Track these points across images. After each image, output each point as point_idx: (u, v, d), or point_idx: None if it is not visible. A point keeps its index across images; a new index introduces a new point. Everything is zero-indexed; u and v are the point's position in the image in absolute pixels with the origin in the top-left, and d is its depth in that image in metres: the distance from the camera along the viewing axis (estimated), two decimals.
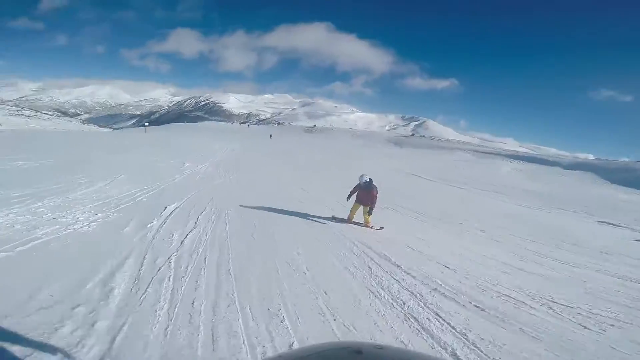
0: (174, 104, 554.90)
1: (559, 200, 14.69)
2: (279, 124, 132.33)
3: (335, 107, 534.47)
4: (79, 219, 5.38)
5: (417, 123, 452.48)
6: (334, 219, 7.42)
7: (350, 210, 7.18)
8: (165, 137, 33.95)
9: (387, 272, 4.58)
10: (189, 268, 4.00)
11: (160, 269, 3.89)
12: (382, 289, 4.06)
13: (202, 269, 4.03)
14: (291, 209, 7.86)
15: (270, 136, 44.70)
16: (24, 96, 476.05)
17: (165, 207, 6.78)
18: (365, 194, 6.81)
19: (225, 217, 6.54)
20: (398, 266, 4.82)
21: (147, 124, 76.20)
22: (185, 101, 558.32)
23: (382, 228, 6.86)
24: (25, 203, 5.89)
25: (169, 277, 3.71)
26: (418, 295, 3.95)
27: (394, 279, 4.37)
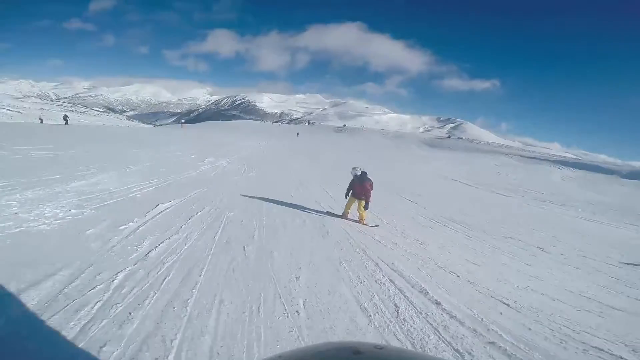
0: (211, 103, 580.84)
1: (634, 214, 12.09)
2: (309, 123, 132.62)
3: (367, 107, 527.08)
4: (45, 215, 4.49)
5: (453, 125, 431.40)
6: (328, 214, 6.96)
7: (346, 206, 6.79)
8: (198, 134, 34.57)
9: (423, 316, 3.10)
10: (127, 300, 2.70)
11: (86, 293, 2.70)
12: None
13: (143, 307, 2.66)
14: (307, 217, 6.56)
15: (297, 134, 44.49)
16: (77, 93, 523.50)
17: (157, 205, 5.79)
18: (360, 187, 6.40)
19: (222, 222, 5.38)
20: (438, 304, 3.34)
21: (183, 121, 79.14)
22: (221, 100, 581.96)
23: (376, 225, 6.45)
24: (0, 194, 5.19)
25: (90, 312, 2.46)
26: None
27: (435, 331, 2.87)
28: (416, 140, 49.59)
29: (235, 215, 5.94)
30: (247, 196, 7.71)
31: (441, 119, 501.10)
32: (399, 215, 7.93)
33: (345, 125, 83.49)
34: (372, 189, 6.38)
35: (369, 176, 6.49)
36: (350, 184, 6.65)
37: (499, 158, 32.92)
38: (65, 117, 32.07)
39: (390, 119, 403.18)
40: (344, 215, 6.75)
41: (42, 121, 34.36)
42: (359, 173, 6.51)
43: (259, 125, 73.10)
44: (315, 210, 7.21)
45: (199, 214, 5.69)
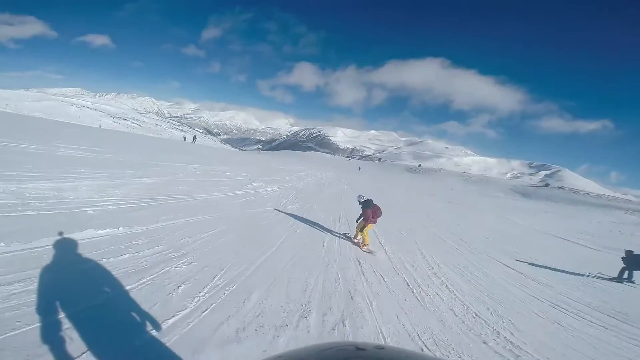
0: (291, 134, 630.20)
1: None
2: (379, 160, 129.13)
3: (446, 148, 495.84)
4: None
5: (547, 172, 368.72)
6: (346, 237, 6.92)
7: (361, 233, 6.58)
8: (268, 159, 35.26)
9: None
10: None
11: None
12: None
13: None
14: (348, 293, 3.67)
15: (359, 169, 42.09)
16: (185, 114, 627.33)
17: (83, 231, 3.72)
18: (372, 211, 6.47)
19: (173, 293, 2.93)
20: None
21: (260, 146, 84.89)
22: (300, 132, 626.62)
23: (371, 252, 6.30)
24: None
25: None
26: None
27: None
28: (504, 188, 41.57)
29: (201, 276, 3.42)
30: (249, 243, 5.22)
31: (533, 164, 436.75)
32: (509, 307, 4.38)
33: (420, 165, 77.33)
34: (371, 213, 6.46)
35: (363, 199, 6.68)
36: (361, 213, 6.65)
37: (615, 213, 25.05)
38: (194, 137, 40.80)
39: (472, 161, 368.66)
40: (363, 244, 6.51)
41: (184, 139, 44.97)
42: (364, 199, 6.70)
43: (329, 159, 73.09)
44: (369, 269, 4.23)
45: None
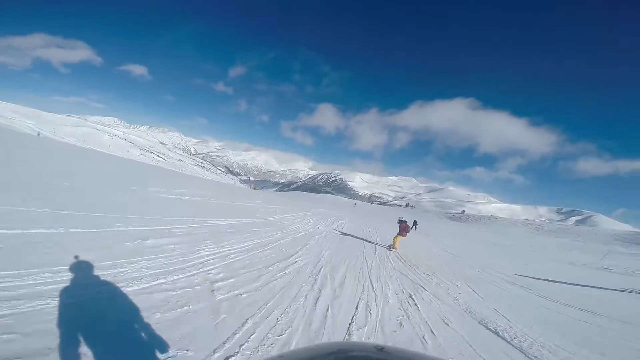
0: (309, 177, 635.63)
1: None
2: (407, 205, 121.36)
3: (468, 195, 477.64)
4: None
5: (579, 218, 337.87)
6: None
7: (394, 241, 10.60)
8: (269, 198, 30.26)
9: None
10: None
11: None
12: None
13: None
14: None
15: (355, 205, 35.97)
16: (210, 152, 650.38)
17: None
18: (403, 228, 10.83)
19: None
20: None
21: (252, 185, 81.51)
22: (318, 176, 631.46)
23: (395, 249, 10.31)
24: None
25: None
26: None
27: None
28: (606, 238, 33.34)
29: None
30: None
31: (562, 210, 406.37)
32: None
33: (464, 211, 69.57)
34: (408, 230, 10.95)
35: (402, 219, 11.34)
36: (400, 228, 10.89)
37: None
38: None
39: (497, 209, 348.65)
40: (394, 248, 10.41)
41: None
42: (402, 219, 11.27)
43: (344, 201, 66.78)
44: None
45: None
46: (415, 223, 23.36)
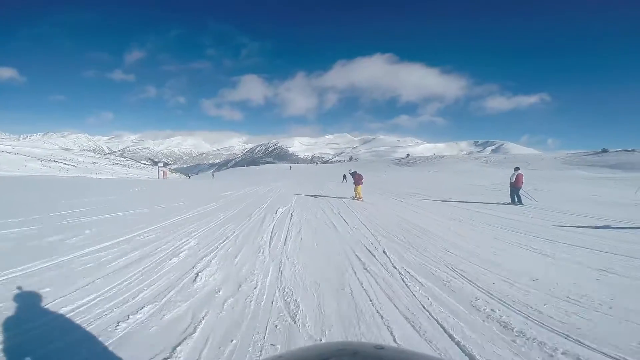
0: (246, 152, 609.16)
1: None
2: (351, 159, 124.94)
3: (398, 140, 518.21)
4: None
5: (493, 147, 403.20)
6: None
7: (356, 192, 11.86)
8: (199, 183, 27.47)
9: None
10: None
11: None
12: None
13: None
14: None
15: (290, 167, 35.22)
16: (127, 147, 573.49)
17: None
18: (357, 178, 12.14)
19: None
20: None
21: (213, 172, 75.98)
22: (255, 148, 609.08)
23: (361, 200, 11.49)
24: None
25: None
26: None
27: None
28: (554, 162, 36.83)
29: None
30: None
31: (478, 142, 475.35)
32: None
33: (408, 155, 73.61)
34: (360, 177, 12.20)
35: (351, 172, 13.34)
36: (355, 180, 12.25)
37: None
38: (212, 174, 49.01)
39: (425, 149, 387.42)
40: (358, 199, 11.65)
41: (213, 176, 50.13)
42: (352, 172, 12.88)
43: (288, 169, 64.79)
44: None
45: None
46: (344, 177, 25.01)
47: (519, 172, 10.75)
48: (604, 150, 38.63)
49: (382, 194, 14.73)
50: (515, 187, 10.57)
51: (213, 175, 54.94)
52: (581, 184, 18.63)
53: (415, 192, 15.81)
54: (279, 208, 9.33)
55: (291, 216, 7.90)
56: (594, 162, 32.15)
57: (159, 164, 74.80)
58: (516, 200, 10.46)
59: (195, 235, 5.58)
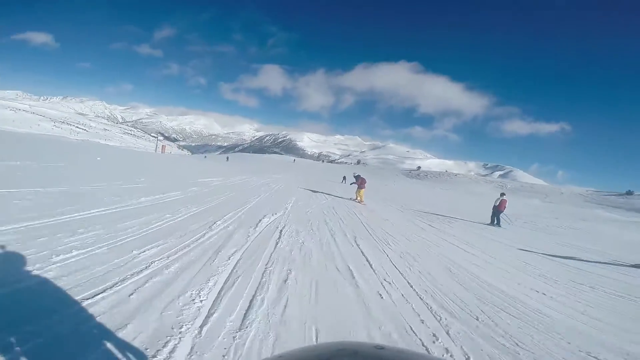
0: (255, 139, 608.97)
1: None
2: (359, 162, 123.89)
3: (408, 151, 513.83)
4: None
5: (501, 172, 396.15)
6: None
7: (357, 195, 12.94)
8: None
9: None
10: None
11: None
12: None
13: None
14: None
15: (294, 161, 35.40)
16: (140, 119, 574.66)
17: None
18: (361, 182, 13.05)
19: None
20: None
21: (227, 156, 75.95)
22: (265, 137, 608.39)
23: (363, 203, 12.41)
24: None
25: None
26: None
27: None
28: (577, 200, 34.27)
29: None
30: None
31: (488, 165, 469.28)
32: None
33: (419, 167, 72.30)
34: (363, 181, 13.15)
35: (355, 175, 14.14)
36: (359, 182, 13.12)
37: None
38: (227, 158, 50.46)
39: (433, 164, 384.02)
40: (360, 201, 12.66)
41: (227, 159, 52.76)
42: (356, 175, 13.77)
43: (292, 162, 63.63)
44: None
45: None
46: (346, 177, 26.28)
47: (504, 197, 11.98)
48: (629, 193, 36.80)
49: (403, 212, 12.23)
50: (498, 210, 11.74)
51: (227, 158, 54.94)
52: (613, 226, 17.26)
53: (442, 213, 13.42)
54: (264, 217, 6.50)
55: (280, 236, 5.13)
56: (619, 204, 30.88)
57: (159, 137, 74.59)
58: (495, 221, 11.66)
59: None
